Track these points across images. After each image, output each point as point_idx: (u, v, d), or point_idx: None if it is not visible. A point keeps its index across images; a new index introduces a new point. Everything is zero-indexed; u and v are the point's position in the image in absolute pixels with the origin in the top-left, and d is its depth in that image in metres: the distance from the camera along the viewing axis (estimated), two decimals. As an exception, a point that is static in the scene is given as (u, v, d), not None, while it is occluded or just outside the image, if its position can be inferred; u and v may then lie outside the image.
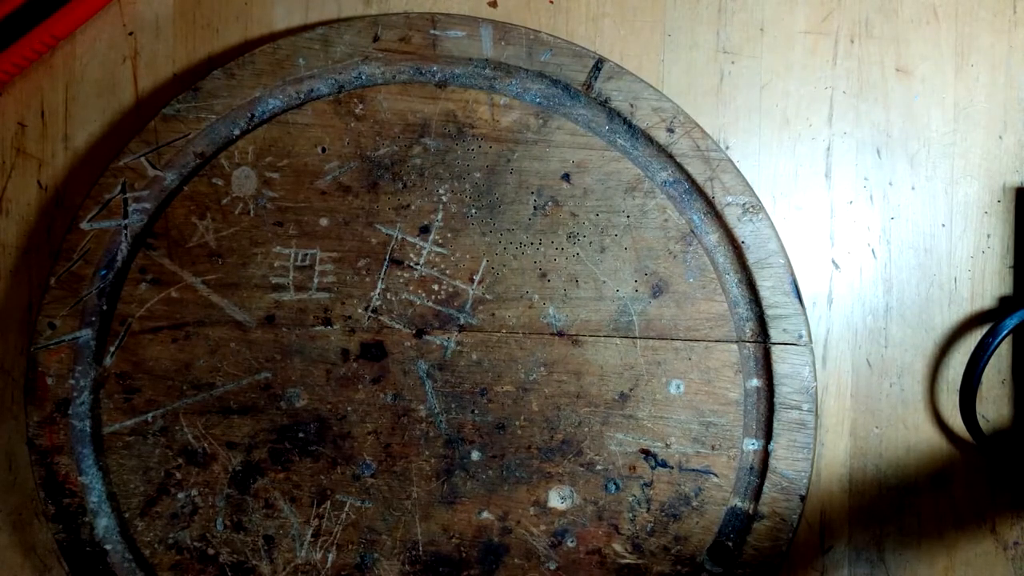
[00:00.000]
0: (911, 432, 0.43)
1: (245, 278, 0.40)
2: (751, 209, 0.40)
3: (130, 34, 0.42)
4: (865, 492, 0.43)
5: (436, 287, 0.40)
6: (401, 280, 0.40)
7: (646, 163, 0.41)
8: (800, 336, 0.40)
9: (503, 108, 0.40)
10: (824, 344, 0.43)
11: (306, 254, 0.40)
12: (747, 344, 0.41)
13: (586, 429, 0.40)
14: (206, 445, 0.39)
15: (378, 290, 0.40)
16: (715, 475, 0.40)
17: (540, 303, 0.40)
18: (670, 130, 0.40)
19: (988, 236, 0.43)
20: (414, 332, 0.40)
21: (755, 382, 0.41)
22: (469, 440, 0.40)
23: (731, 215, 0.40)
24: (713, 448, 0.40)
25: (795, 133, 0.43)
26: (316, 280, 0.40)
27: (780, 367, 0.40)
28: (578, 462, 0.40)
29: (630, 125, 0.41)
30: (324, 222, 0.40)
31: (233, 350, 0.40)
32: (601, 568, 0.40)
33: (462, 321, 0.40)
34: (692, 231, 0.40)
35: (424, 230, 0.40)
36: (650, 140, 0.40)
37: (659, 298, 0.40)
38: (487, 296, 0.40)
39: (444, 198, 0.40)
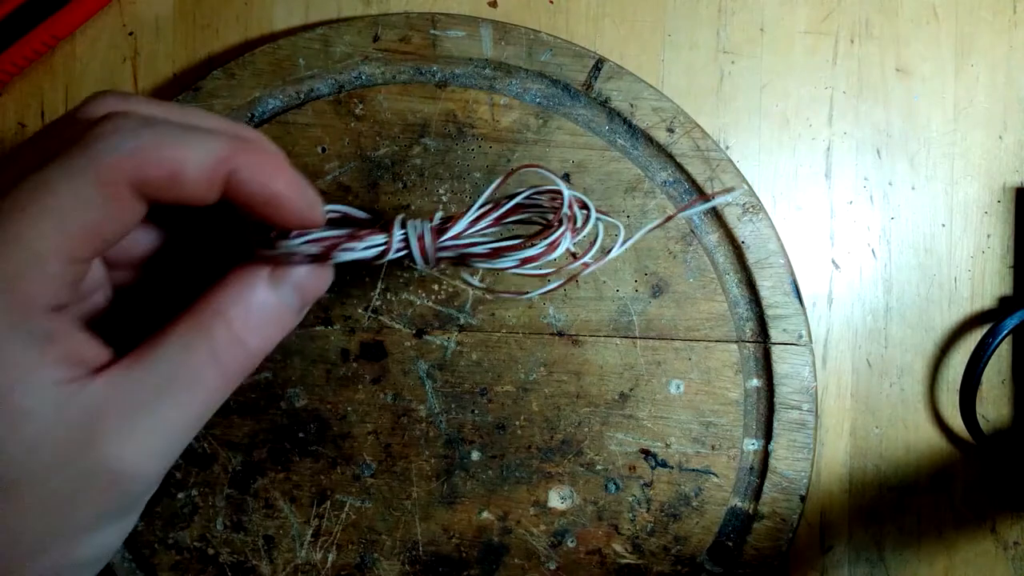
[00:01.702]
0: (911, 432, 0.43)
1: (245, 278, 0.40)
2: (751, 209, 0.40)
3: (130, 34, 0.42)
4: (865, 492, 0.43)
5: (436, 287, 0.40)
6: (401, 280, 0.40)
7: (646, 163, 0.41)
8: (800, 336, 0.40)
9: (503, 108, 0.40)
10: (824, 344, 0.43)
11: (306, 254, 0.40)
12: (747, 344, 0.41)
13: (586, 429, 0.40)
14: (206, 445, 0.39)
15: (378, 290, 0.40)
16: (715, 475, 0.40)
17: (540, 303, 0.40)
18: (670, 130, 0.40)
19: (988, 236, 0.43)
20: (414, 332, 0.40)
21: (755, 382, 0.41)
22: (469, 440, 0.40)
23: (731, 215, 0.40)
24: (713, 448, 0.40)
25: (795, 133, 0.43)
26: (316, 280, 0.40)
27: (780, 367, 0.40)
28: (578, 462, 0.40)
29: (630, 125, 0.41)
30: (324, 222, 0.40)
31: (233, 350, 0.40)
32: (601, 568, 0.40)
33: (462, 321, 0.40)
34: (692, 231, 0.40)
35: (424, 230, 0.40)
36: (650, 140, 0.40)
37: (659, 298, 0.40)
38: (487, 296, 0.40)
39: (444, 198, 0.40)
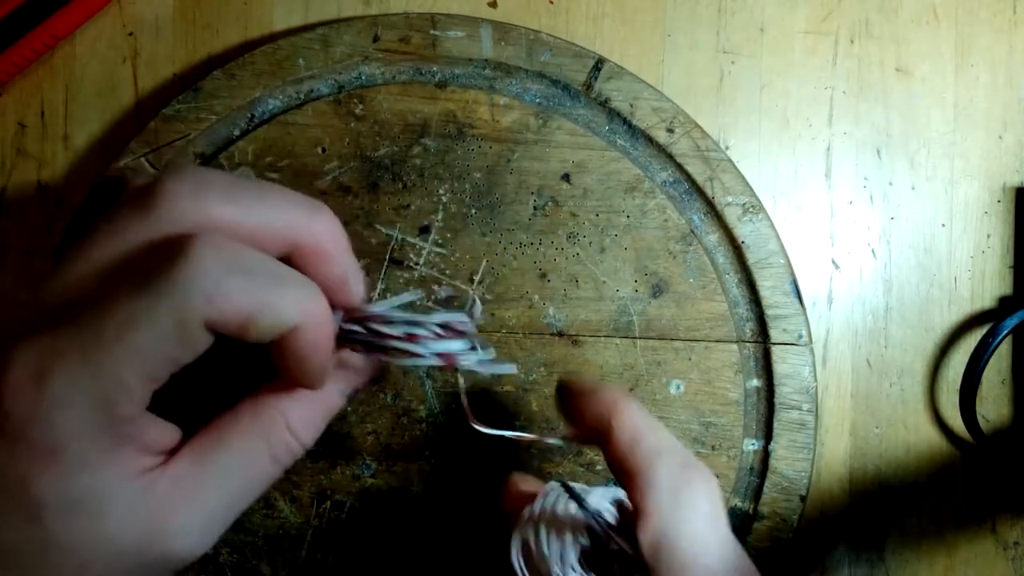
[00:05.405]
0: (911, 432, 0.43)
1: (245, 278, 0.40)
2: (751, 209, 0.40)
3: (130, 34, 0.42)
4: (865, 492, 0.43)
5: (436, 287, 0.40)
6: (401, 280, 0.40)
7: (646, 163, 0.41)
8: (800, 336, 0.40)
9: (503, 108, 0.40)
10: (824, 344, 0.43)
11: (306, 254, 0.40)
12: (747, 344, 0.41)
13: (586, 429, 0.40)
14: (206, 445, 0.39)
15: (378, 290, 0.40)
16: (715, 475, 0.40)
17: (540, 303, 0.40)
18: (670, 130, 0.40)
19: (988, 236, 0.43)
20: (414, 332, 0.40)
21: (755, 382, 0.41)
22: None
23: (731, 215, 0.40)
24: (713, 448, 0.40)
25: (795, 133, 0.43)
26: (316, 280, 0.40)
27: (780, 367, 0.40)
28: (578, 463, 0.40)
29: (630, 125, 0.41)
30: (324, 222, 0.40)
31: (233, 350, 0.40)
32: (601, 568, 0.40)
33: (462, 321, 0.40)
34: (692, 231, 0.40)
35: (424, 230, 0.40)
36: (650, 140, 0.40)
37: (659, 298, 0.40)
38: (487, 296, 0.40)
39: (444, 198, 0.40)
